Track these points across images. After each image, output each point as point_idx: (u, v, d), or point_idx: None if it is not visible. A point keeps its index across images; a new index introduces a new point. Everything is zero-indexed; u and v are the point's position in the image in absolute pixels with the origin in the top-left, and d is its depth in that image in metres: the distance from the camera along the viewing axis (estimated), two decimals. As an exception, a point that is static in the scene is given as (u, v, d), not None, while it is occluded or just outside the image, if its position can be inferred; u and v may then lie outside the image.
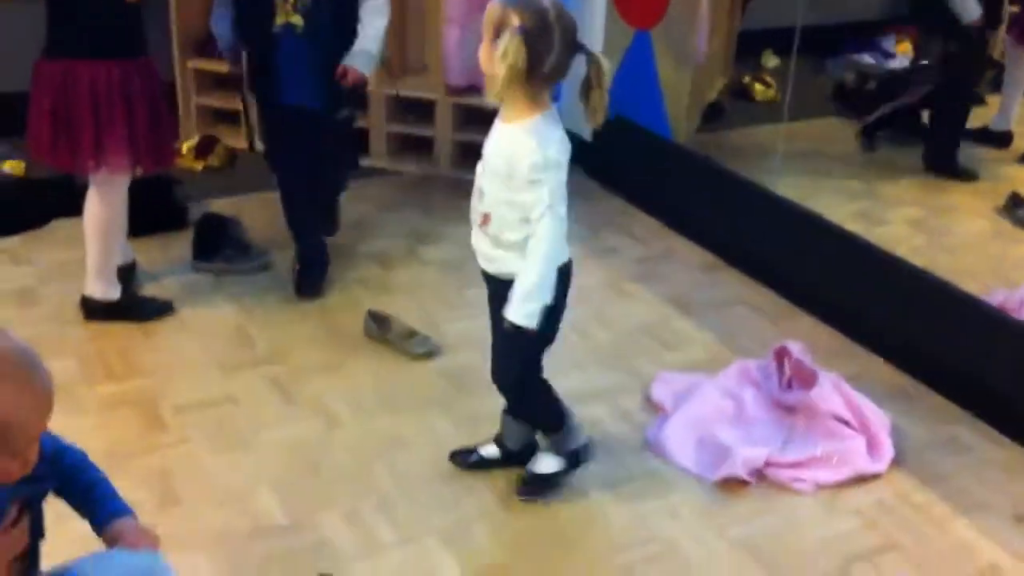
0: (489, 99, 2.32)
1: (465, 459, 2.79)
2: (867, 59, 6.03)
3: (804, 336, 3.36)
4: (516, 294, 2.36)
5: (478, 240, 2.50)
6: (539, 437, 2.72)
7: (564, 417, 2.67)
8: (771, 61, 5.87)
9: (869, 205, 4.36)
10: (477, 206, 2.46)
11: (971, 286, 3.31)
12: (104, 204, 3.21)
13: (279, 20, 3.25)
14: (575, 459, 2.71)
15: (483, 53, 2.32)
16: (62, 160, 3.13)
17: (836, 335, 3.51)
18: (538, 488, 2.68)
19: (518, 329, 2.36)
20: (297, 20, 3.23)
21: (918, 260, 3.45)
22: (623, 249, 4.06)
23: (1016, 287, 3.57)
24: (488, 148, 2.42)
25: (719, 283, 3.85)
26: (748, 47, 5.66)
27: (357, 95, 3.59)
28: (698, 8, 4.46)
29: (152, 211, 3.86)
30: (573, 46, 2.28)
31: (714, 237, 4.05)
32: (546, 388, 2.65)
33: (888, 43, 6.15)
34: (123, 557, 1.76)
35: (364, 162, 4.62)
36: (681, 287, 3.80)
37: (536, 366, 2.61)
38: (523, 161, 2.29)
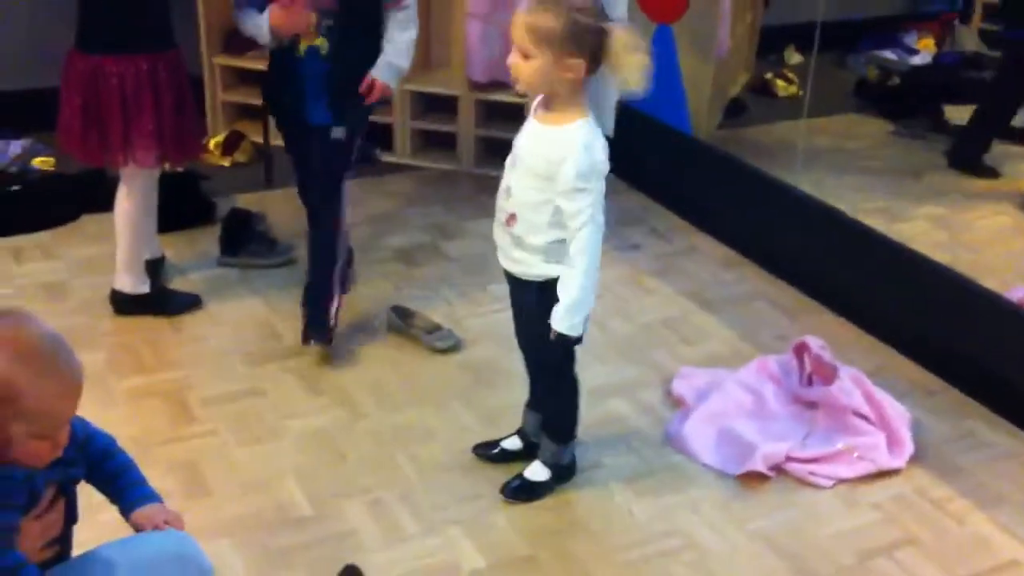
0: (558, 100, 2.31)
1: (487, 452, 2.83)
2: (889, 55, 6.04)
3: (824, 331, 3.38)
4: (563, 306, 2.37)
5: (500, 237, 2.51)
6: (543, 443, 2.71)
7: (576, 428, 2.71)
8: (793, 58, 5.88)
9: (890, 201, 4.36)
10: (503, 204, 2.45)
11: (991, 282, 3.32)
12: (134, 198, 3.26)
13: (303, 45, 3.12)
14: (567, 473, 2.73)
15: (545, 72, 2.25)
16: (92, 155, 3.18)
17: (856, 330, 3.53)
18: (526, 493, 2.69)
19: (562, 337, 2.40)
20: (321, 43, 3.10)
21: (939, 256, 3.46)
22: (644, 244, 4.08)
23: (1038, 283, 3.58)
24: (524, 147, 2.39)
25: (740, 279, 3.87)
26: (770, 44, 5.68)
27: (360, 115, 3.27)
28: (720, 2, 4.48)
29: (180, 206, 3.91)
30: (597, 28, 2.25)
31: (735, 233, 4.07)
32: (576, 389, 2.67)
33: (910, 39, 6.15)
34: (151, 539, 1.80)
35: (388, 158, 4.69)
36: (702, 282, 3.82)
37: (574, 360, 2.62)
38: (571, 167, 2.28)
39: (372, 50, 3.16)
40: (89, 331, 3.30)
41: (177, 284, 3.60)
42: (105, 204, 3.47)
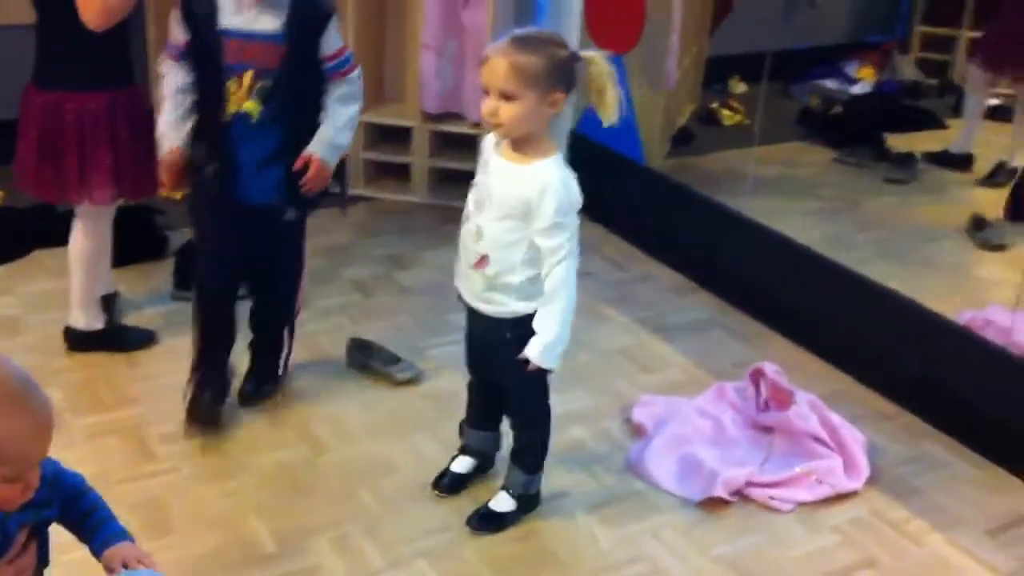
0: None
1: (442, 483, 2.83)
2: (830, 84, 6.17)
3: (779, 357, 3.43)
4: (543, 342, 2.40)
5: (468, 280, 2.49)
6: (509, 472, 2.72)
7: (545, 459, 2.73)
8: (738, 87, 5.98)
9: (837, 228, 4.45)
10: (473, 247, 2.43)
11: (939, 306, 3.39)
12: (89, 235, 3.23)
13: (231, 108, 2.76)
14: (532, 503, 2.75)
15: (528, 112, 2.27)
16: (46, 191, 3.15)
17: (810, 356, 3.59)
18: (493, 523, 2.69)
19: (542, 370, 2.44)
20: (252, 107, 2.74)
21: (887, 282, 3.53)
22: (598, 273, 4.12)
23: (983, 307, 3.67)
24: (495, 187, 2.38)
25: (694, 306, 3.92)
26: (714, 74, 5.77)
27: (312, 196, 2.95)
28: (670, 34, 4.55)
29: (133, 240, 3.87)
30: (575, 57, 2.32)
31: (688, 260, 4.13)
32: (549, 419, 2.70)
33: (851, 68, 6.29)
34: None
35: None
36: (657, 310, 3.87)
37: (547, 390, 2.65)
38: (550, 204, 2.30)
39: (311, 122, 2.87)
40: (45, 368, 3.24)
41: (131, 319, 3.56)
42: (57, 239, 3.45)
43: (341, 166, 3.03)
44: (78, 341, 3.35)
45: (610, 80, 2.31)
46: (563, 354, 2.47)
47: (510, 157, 2.37)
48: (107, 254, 3.34)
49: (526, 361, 2.44)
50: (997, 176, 4.80)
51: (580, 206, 2.38)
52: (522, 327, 2.44)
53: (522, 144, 2.35)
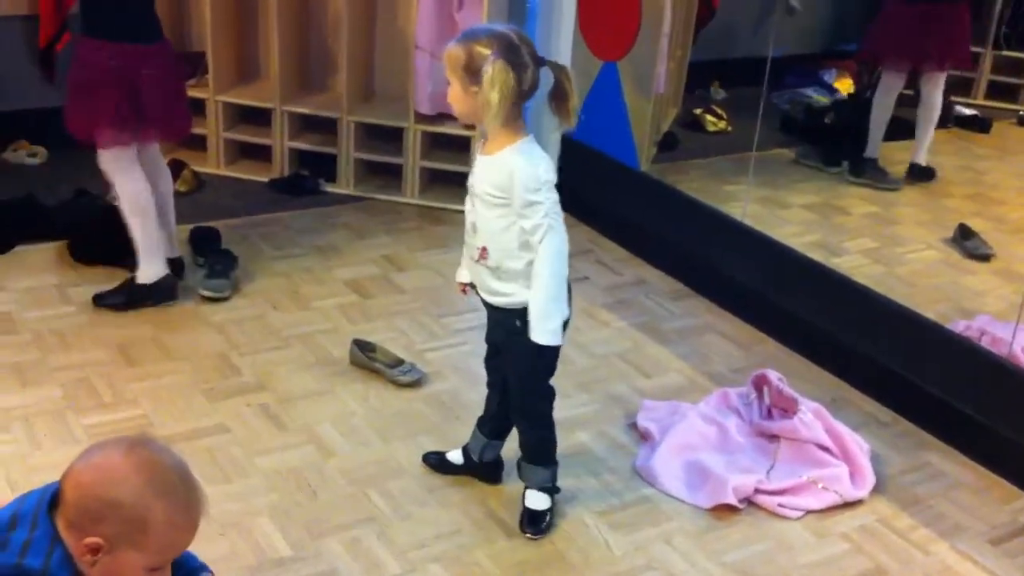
0: (489, 127, 2.38)
1: (430, 458, 2.91)
2: (810, 92, 6.22)
3: (775, 363, 3.47)
4: (535, 317, 2.44)
5: (477, 275, 2.56)
6: (529, 472, 2.73)
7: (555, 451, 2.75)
8: (719, 93, 6.02)
9: (824, 235, 4.49)
10: (472, 241, 2.53)
11: (930, 315, 3.44)
12: (122, 183, 3.44)
13: None
14: (556, 489, 2.77)
15: (459, 95, 2.40)
16: (79, 129, 3.39)
17: (805, 362, 3.62)
18: (542, 523, 2.72)
19: (542, 349, 2.45)
20: None
21: (878, 290, 3.58)
22: (594, 277, 4.13)
23: (972, 316, 3.73)
24: (476, 182, 2.48)
25: (689, 311, 3.94)
26: (694, 79, 5.81)
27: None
28: (660, 38, 4.58)
29: (119, 242, 3.82)
30: (538, 60, 2.39)
31: (682, 265, 4.15)
32: (552, 410, 2.72)
33: (829, 76, 6.35)
34: None
35: (333, 188, 4.66)
36: (653, 315, 3.88)
37: (551, 383, 2.67)
38: (518, 183, 2.38)
39: None
40: (42, 367, 3.20)
41: (127, 316, 3.52)
42: (39, 234, 3.63)
43: None
44: (136, 297, 3.54)
45: (571, 87, 2.40)
46: (559, 330, 2.46)
47: (485, 151, 2.48)
48: (150, 201, 3.51)
49: (533, 349, 2.46)
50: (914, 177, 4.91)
51: (552, 182, 2.43)
52: None
53: (493, 137, 2.44)
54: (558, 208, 2.44)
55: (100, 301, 3.55)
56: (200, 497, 1.63)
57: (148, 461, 1.60)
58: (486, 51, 2.32)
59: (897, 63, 4.96)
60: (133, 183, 3.46)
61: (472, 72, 2.34)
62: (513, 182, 2.38)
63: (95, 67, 3.32)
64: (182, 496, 1.60)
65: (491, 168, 2.44)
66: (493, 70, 2.30)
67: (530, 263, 2.45)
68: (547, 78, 2.41)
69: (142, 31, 3.37)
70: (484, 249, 2.49)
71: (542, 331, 2.45)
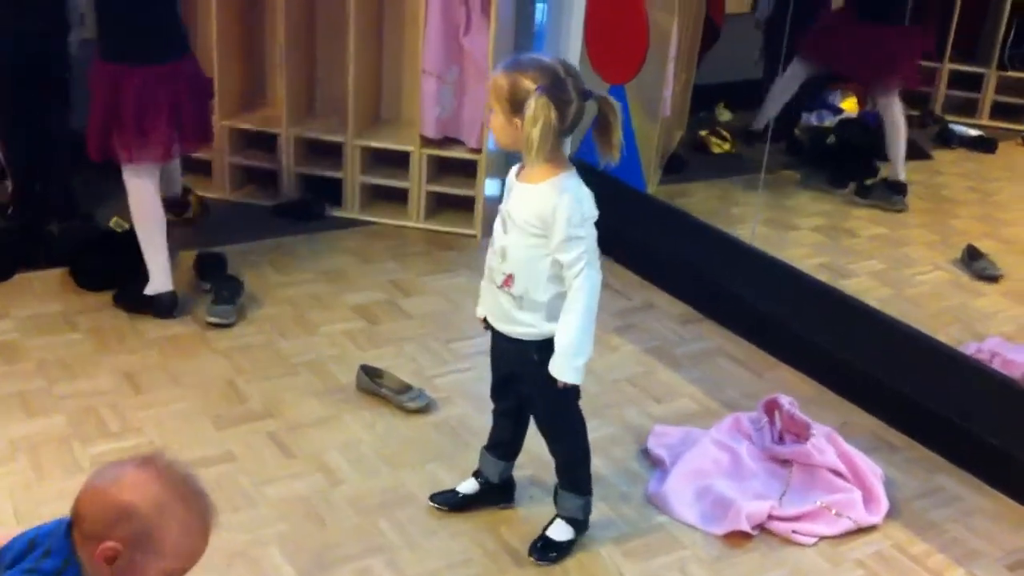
0: (529, 161, 2.35)
1: (438, 496, 2.84)
2: (815, 115, 6.22)
3: (786, 387, 3.44)
4: (562, 351, 2.42)
5: (496, 303, 2.52)
6: (561, 498, 2.71)
7: (591, 478, 2.72)
8: (724, 115, 6.02)
9: (833, 257, 4.47)
10: (498, 266, 2.48)
11: (940, 337, 3.42)
12: (137, 192, 3.57)
13: None
14: (585, 526, 2.74)
15: (501, 125, 2.37)
16: (97, 151, 3.54)
17: (817, 386, 3.60)
18: (555, 554, 2.69)
19: (565, 386, 2.43)
20: None
21: (887, 312, 3.56)
22: (603, 301, 4.06)
23: (983, 338, 3.70)
24: (514, 210, 2.43)
25: (699, 335, 3.92)
26: (699, 102, 5.80)
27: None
28: (667, 61, 4.57)
29: (123, 268, 3.82)
30: (584, 94, 2.35)
31: (691, 289, 4.13)
32: (585, 435, 2.70)
33: (834, 98, 6.35)
34: None
35: (338, 213, 4.65)
36: (663, 339, 3.86)
37: (578, 409, 2.65)
38: (561, 218, 2.34)
39: None
40: (48, 395, 3.18)
41: (133, 343, 3.51)
42: (41, 261, 3.64)
43: None
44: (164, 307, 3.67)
45: (616, 122, 2.36)
46: (583, 368, 2.47)
47: (525, 179, 2.44)
48: (161, 216, 3.67)
49: (555, 381, 2.45)
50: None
51: (594, 219, 2.42)
52: (549, 349, 2.46)
53: (535, 166, 2.39)
54: (596, 245, 2.42)
55: (116, 301, 3.72)
56: (211, 507, 1.66)
57: (161, 470, 1.64)
58: (531, 84, 2.28)
59: (815, 58, 5.03)
60: (149, 195, 3.60)
61: (515, 104, 2.31)
62: (556, 217, 2.35)
63: (117, 88, 3.43)
64: (195, 502, 1.63)
65: (532, 198, 2.40)
66: (536, 106, 2.25)
67: (555, 296, 2.44)
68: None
69: (163, 51, 3.49)
70: (511, 276, 2.45)
71: (567, 368, 2.43)
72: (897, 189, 4.92)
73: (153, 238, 3.64)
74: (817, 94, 6.29)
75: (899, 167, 4.95)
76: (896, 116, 4.95)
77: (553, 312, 2.44)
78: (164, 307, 3.65)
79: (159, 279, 3.65)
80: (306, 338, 3.65)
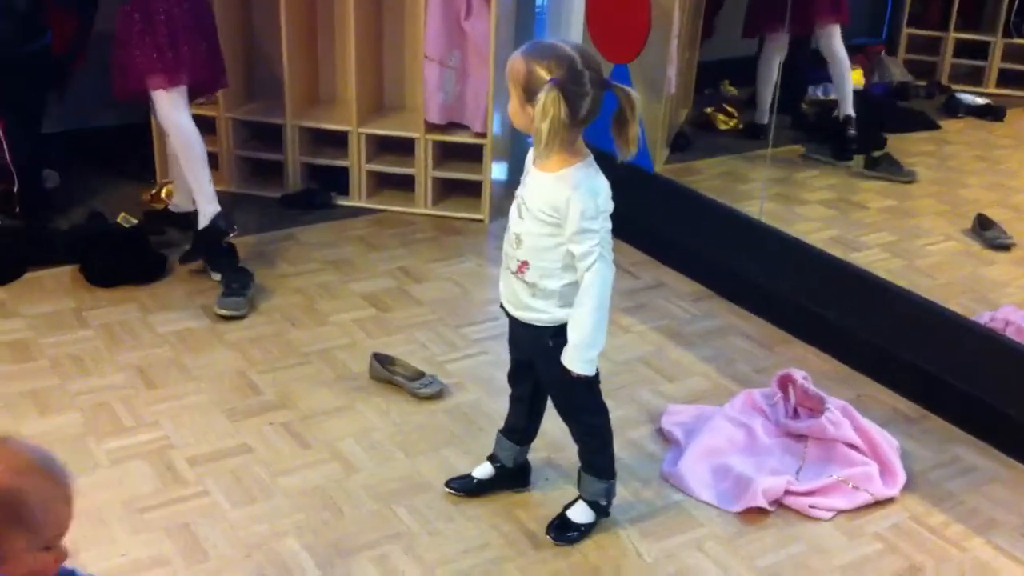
0: (539, 153, 2.31)
1: (453, 482, 2.84)
2: (821, 89, 6.18)
3: (799, 362, 3.43)
4: (573, 344, 2.41)
5: (510, 288, 2.52)
6: (583, 482, 2.71)
7: (614, 463, 2.72)
8: (730, 91, 5.99)
9: (843, 231, 4.45)
10: (513, 252, 2.46)
11: (952, 307, 3.40)
12: (176, 125, 3.76)
13: None
14: (606, 512, 2.74)
15: (516, 110, 2.35)
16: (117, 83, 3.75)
17: (830, 360, 3.59)
18: (573, 535, 2.69)
19: (576, 376, 2.43)
20: None
21: (899, 283, 3.54)
22: (613, 282, 4.08)
23: (996, 307, 3.68)
24: (529, 197, 2.41)
25: (709, 313, 3.91)
26: (705, 79, 5.77)
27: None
28: (671, 39, 4.55)
29: (132, 264, 3.83)
30: (602, 85, 2.31)
31: (701, 267, 4.11)
32: (607, 421, 2.69)
33: (839, 70, 6.31)
34: None
35: (345, 201, 4.64)
36: (674, 318, 3.85)
37: (598, 393, 2.64)
38: (575, 210, 2.31)
39: None
40: (60, 391, 3.19)
41: (145, 337, 3.51)
42: (48, 259, 3.66)
43: None
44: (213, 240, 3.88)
45: (633, 116, 2.31)
46: (596, 359, 2.47)
47: (541, 167, 2.40)
48: (202, 147, 3.84)
49: (567, 370, 2.45)
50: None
51: (610, 210, 2.39)
52: (563, 335, 2.45)
53: (551, 154, 2.35)
54: (609, 237, 2.40)
55: (183, 262, 3.94)
56: (64, 470, 1.66)
57: (5, 452, 1.64)
58: (545, 75, 2.24)
59: (766, 29, 5.06)
60: (189, 125, 3.80)
61: (529, 92, 2.27)
62: (570, 209, 2.31)
63: (149, 14, 3.65)
64: (46, 470, 1.64)
65: (548, 186, 2.36)
66: (546, 100, 2.21)
67: (568, 284, 2.42)
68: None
69: None
70: (525, 263, 2.44)
71: (579, 360, 2.43)
72: (848, 123, 5.07)
73: (196, 169, 3.84)
74: (821, 68, 6.27)
75: (847, 103, 5.11)
76: (837, 51, 5.08)
77: (567, 299, 2.43)
78: (226, 226, 3.90)
79: (209, 207, 3.88)
80: (317, 328, 3.65)
